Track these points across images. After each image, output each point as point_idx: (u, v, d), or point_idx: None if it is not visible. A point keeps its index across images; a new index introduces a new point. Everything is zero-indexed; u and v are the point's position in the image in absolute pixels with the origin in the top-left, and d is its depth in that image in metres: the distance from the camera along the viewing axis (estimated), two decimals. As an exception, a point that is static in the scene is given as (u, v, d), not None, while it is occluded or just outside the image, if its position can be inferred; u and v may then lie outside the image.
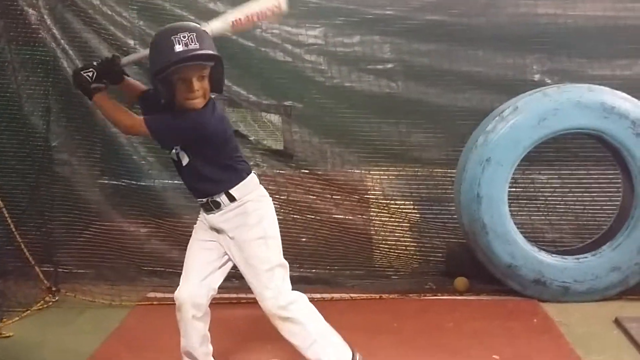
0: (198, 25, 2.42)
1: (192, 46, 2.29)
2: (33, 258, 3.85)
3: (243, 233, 2.52)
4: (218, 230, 2.57)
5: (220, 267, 2.60)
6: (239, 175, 2.53)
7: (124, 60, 2.54)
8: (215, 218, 2.54)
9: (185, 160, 2.49)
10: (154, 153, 3.99)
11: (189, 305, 2.55)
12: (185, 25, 2.42)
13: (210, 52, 2.34)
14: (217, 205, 2.51)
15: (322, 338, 2.56)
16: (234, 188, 2.51)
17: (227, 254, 2.59)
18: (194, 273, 2.58)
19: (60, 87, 3.91)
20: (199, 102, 2.38)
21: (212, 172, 2.50)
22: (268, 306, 2.51)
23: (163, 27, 2.41)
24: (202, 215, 2.62)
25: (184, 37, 2.29)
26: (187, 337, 2.62)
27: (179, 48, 2.28)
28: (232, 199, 2.50)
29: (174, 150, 2.50)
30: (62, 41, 3.93)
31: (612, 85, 3.67)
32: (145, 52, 2.51)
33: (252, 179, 2.57)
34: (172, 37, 2.29)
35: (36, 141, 3.96)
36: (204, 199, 2.54)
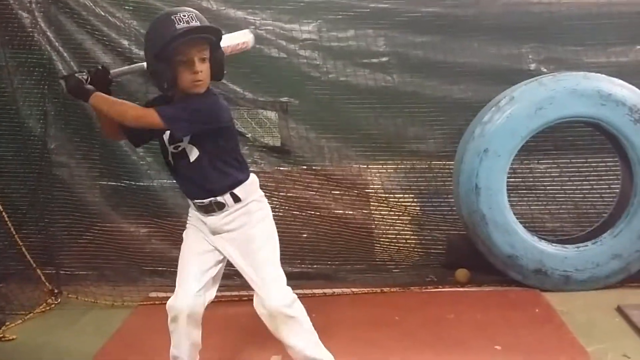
0: None
1: (193, 23, 2.25)
2: (34, 261, 3.87)
3: (248, 231, 2.45)
4: (215, 232, 2.48)
5: (215, 276, 2.53)
6: (244, 174, 2.47)
7: (116, 71, 2.49)
8: (216, 220, 2.45)
9: (193, 155, 2.37)
10: (152, 153, 3.98)
11: (185, 316, 2.45)
12: (183, 7, 2.33)
13: (212, 25, 2.32)
14: (221, 207, 2.42)
15: (317, 342, 2.54)
16: (239, 187, 2.43)
17: (221, 259, 2.51)
18: (190, 283, 2.47)
19: (56, 89, 3.89)
20: (203, 85, 2.33)
21: (221, 167, 2.39)
22: (275, 304, 2.41)
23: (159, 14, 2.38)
24: (197, 218, 2.50)
25: (184, 15, 2.25)
26: (179, 347, 2.53)
27: (180, 25, 2.23)
28: (236, 199, 2.42)
29: (177, 147, 2.38)
30: (57, 44, 3.93)
31: (608, 73, 3.65)
32: (136, 65, 2.50)
33: (254, 179, 2.52)
34: (172, 17, 2.24)
35: (34, 144, 3.97)
36: (205, 200, 2.42)
